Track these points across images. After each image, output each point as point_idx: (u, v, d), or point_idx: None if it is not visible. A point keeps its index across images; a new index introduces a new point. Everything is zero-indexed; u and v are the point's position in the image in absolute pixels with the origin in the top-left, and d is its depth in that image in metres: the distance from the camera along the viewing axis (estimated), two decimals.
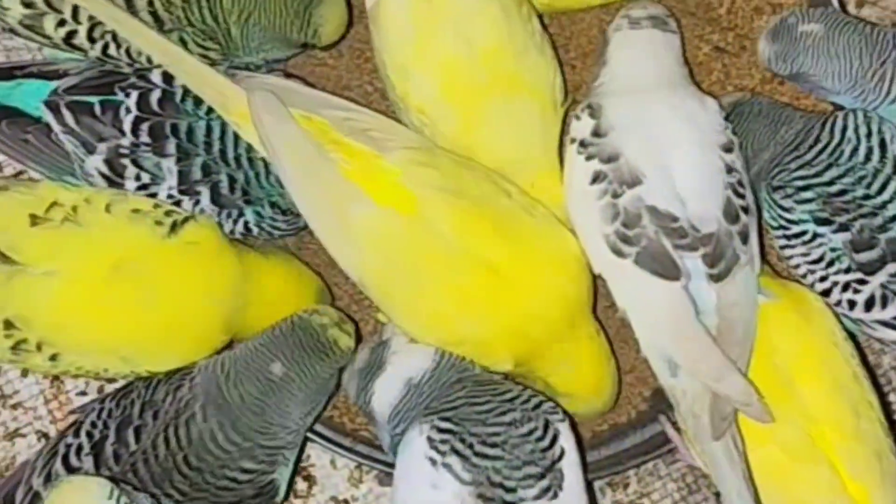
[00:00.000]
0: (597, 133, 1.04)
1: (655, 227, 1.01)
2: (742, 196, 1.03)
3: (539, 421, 1.00)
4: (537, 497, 0.98)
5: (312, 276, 1.15)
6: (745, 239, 1.02)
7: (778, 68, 1.14)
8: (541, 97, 1.08)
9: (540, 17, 1.12)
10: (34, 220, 1.02)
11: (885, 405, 1.21)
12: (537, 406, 1.01)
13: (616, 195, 1.02)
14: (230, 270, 1.07)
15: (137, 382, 1.06)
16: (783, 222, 1.10)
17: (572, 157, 1.05)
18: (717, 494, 1.12)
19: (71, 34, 1.08)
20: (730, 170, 1.03)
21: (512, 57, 1.07)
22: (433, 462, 0.97)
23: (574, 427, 1.03)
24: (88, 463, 1.02)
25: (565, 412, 1.03)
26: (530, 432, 0.99)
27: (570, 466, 1.00)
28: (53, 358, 1.03)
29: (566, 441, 1.00)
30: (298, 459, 1.11)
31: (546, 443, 0.99)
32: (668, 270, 1.00)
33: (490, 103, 1.07)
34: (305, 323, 1.05)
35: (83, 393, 1.21)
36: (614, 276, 1.03)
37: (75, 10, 1.07)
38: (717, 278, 1.01)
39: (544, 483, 0.98)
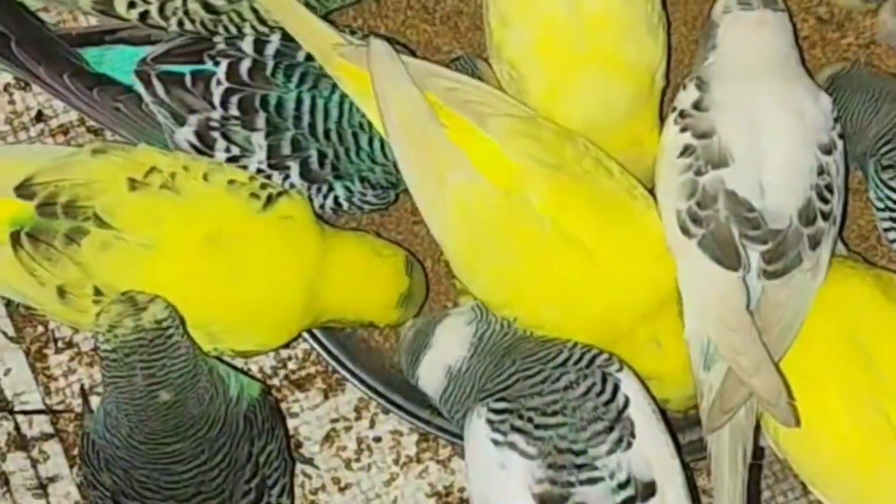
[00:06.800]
0: (697, 106, 1.02)
1: (728, 213, 0.99)
2: (826, 201, 1.00)
3: (596, 376, 0.99)
4: (610, 451, 0.97)
5: (397, 250, 1.13)
6: (814, 245, 1.00)
7: (893, 43, 1.13)
8: (637, 79, 1.05)
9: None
10: (133, 184, 1.01)
11: None
12: (591, 362, 1.00)
13: (699, 172, 1.00)
14: (317, 249, 1.06)
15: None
16: (890, 203, 1.07)
17: (669, 126, 1.04)
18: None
19: (144, 14, 1.06)
20: (821, 171, 1.01)
21: (617, 31, 1.04)
22: (497, 443, 0.98)
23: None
24: None
25: (622, 361, 1.02)
26: (588, 390, 0.99)
27: (639, 412, 0.99)
28: None
29: (629, 388, 1.00)
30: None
31: (607, 395, 0.99)
32: (729, 259, 0.99)
33: (582, 73, 1.04)
34: (126, 343, 0.98)
35: None
36: (678, 254, 1.02)
37: None
38: (769, 276, 0.99)
39: (614, 435, 0.98)
